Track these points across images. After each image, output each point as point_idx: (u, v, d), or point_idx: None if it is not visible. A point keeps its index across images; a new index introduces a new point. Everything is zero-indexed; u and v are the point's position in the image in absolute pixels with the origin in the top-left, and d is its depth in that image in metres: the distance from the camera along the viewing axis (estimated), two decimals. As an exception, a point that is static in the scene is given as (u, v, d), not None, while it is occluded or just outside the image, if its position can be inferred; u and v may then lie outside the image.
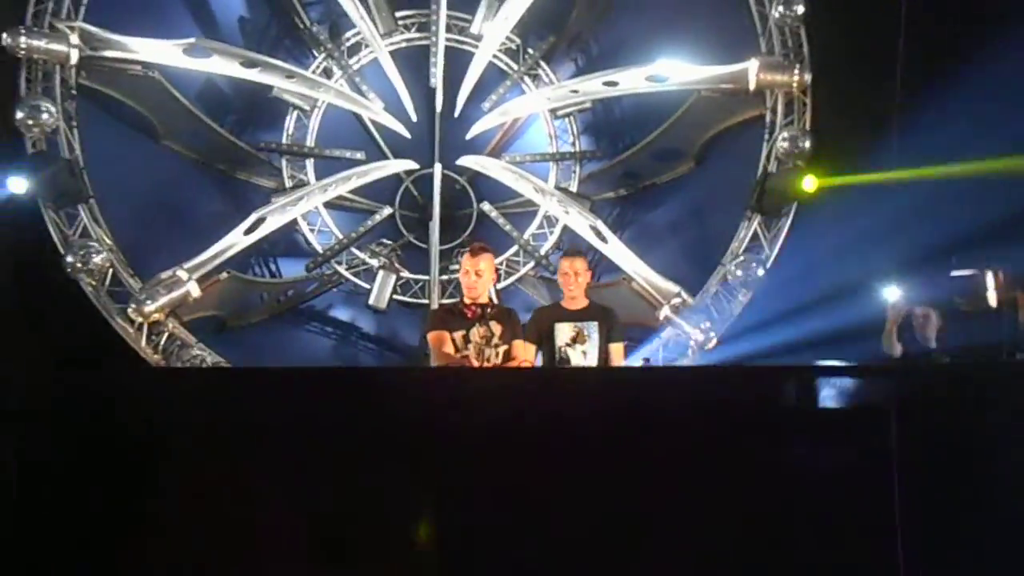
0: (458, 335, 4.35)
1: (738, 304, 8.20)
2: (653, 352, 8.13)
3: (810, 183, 7.84)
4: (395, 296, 8.84)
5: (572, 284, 4.83)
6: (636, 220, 9.53)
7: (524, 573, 2.37)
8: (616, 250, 8.50)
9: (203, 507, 2.32)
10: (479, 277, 4.46)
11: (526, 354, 4.49)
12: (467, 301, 4.48)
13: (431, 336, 4.41)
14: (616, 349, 4.83)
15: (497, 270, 9.43)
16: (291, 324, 9.29)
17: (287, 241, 9.35)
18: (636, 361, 5.21)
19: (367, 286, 8.97)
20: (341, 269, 9.20)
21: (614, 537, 2.45)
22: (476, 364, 4.26)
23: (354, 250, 9.19)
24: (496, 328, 4.41)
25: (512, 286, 9.30)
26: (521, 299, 9.19)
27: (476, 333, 4.34)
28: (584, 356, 4.71)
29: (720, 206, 8.57)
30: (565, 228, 9.08)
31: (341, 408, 2.54)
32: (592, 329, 4.75)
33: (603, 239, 8.55)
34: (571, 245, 8.71)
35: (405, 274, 9.09)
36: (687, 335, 8.05)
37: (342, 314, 9.52)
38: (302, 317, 9.41)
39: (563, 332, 4.74)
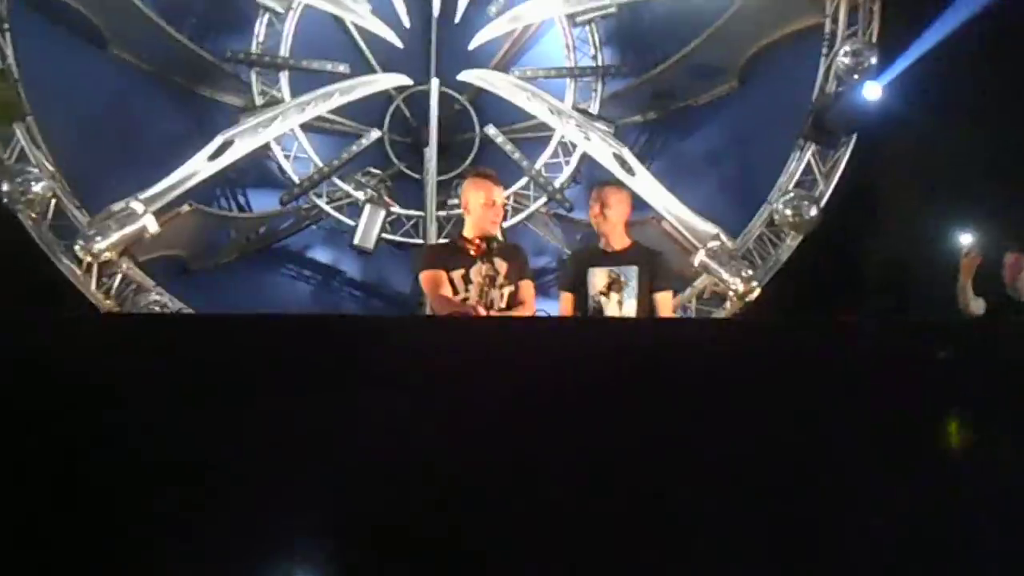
0: (457, 275, 4.32)
1: (786, 249, 8.24)
2: (680, 304, 8.12)
3: (872, 90, 7.67)
4: (384, 235, 8.86)
5: (597, 218, 4.81)
6: (668, 148, 9.57)
7: (537, 554, 2.33)
8: (644, 183, 8.52)
9: (162, 479, 2.20)
10: (496, 212, 4.41)
11: (529, 297, 4.43)
12: (468, 235, 4.41)
13: (425, 276, 4.35)
14: (663, 299, 4.79)
15: (504, 205, 9.60)
16: (263, 266, 9.35)
17: (258, 169, 9.37)
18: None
19: (351, 223, 8.97)
20: (321, 203, 9.22)
21: (637, 513, 2.44)
22: (479, 308, 4.22)
23: (336, 180, 9.17)
24: (502, 266, 4.36)
25: (520, 225, 9.30)
26: (531, 240, 9.24)
27: (478, 272, 4.30)
28: (620, 307, 4.69)
29: (767, 133, 8.59)
30: (584, 157, 9.07)
31: (320, 362, 2.45)
32: (631, 275, 4.75)
33: (629, 170, 8.58)
34: (603, 180, 8.78)
35: (396, 209, 9.07)
36: (725, 284, 8.08)
37: (322, 255, 9.59)
38: (276, 258, 9.50)
39: (598, 278, 4.74)
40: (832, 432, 2.53)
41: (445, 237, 9.00)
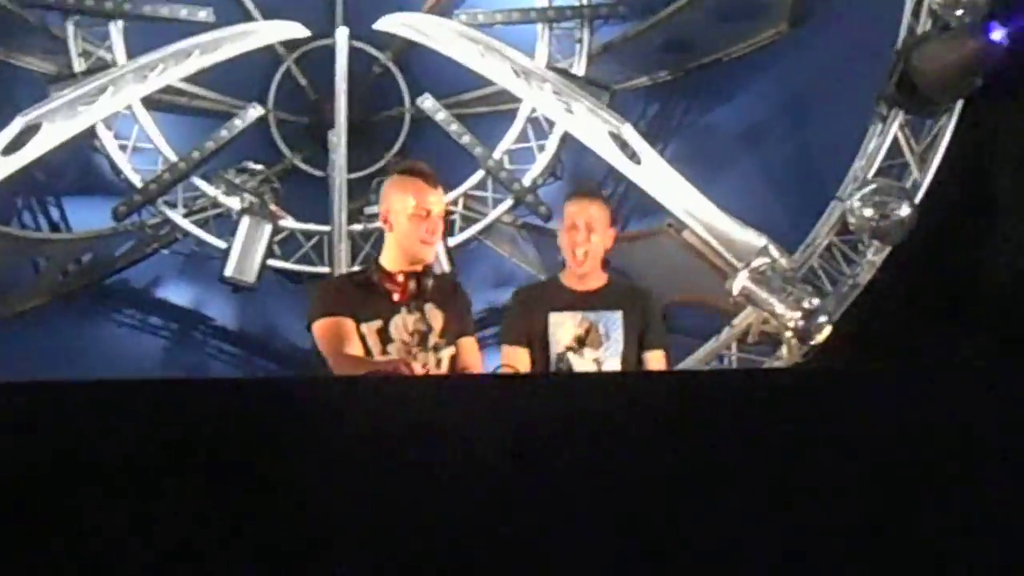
0: (370, 328, 4.36)
1: (867, 267, 8.30)
2: (714, 345, 8.31)
3: (998, 32, 7.63)
4: (271, 262, 8.90)
5: (582, 246, 4.89)
6: (689, 124, 9.67)
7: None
8: (655, 175, 8.50)
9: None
10: (432, 225, 4.46)
11: (474, 362, 4.54)
12: (389, 267, 4.43)
13: (321, 327, 4.40)
14: (654, 359, 4.97)
15: (446, 215, 9.54)
16: (89, 311, 9.41)
17: (80, 167, 9.41)
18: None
19: (222, 244, 8.97)
20: (175, 215, 9.15)
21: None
22: (412, 365, 4.31)
23: (198, 182, 9.16)
24: (436, 317, 4.42)
25: (473, 242, 9.42)
26: (490, 265, 9.55)
27: (402, 324, 4.36)
28: (598, 367, 4.85)
29: (832, 98, 8.65)
30: (566, 139, 9.11)
31: (184, 444, 2.66)
32: (612, 324, 4.90)
33: (632, 156, 8.55)
34: (580, 181, 9.04)
35: (288, 223, 9.09)
36: (780, 320, 8.02)
37: (179, 293, 9.67)
38: (109, 299, 9.55)
39: (564, 328, 4.87)
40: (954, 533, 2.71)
41: (359, 265, 8.90)
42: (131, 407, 2.73)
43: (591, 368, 4.84)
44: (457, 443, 2.75)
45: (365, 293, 4.41)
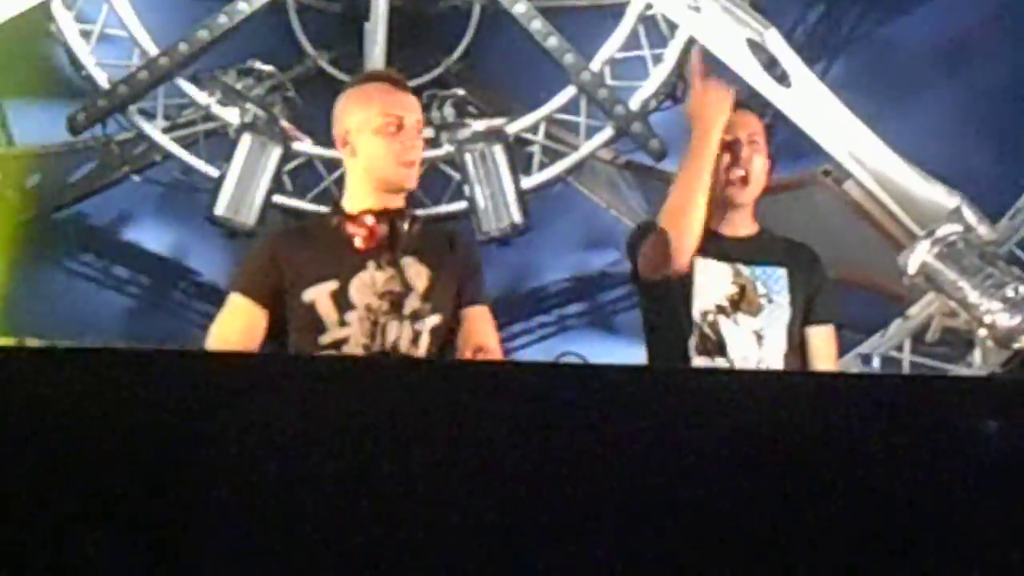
0: (320, 291, 4.37)
1: None
2: (878, 343, 8.31)
3: None
4: (278, 198, 8.94)
5: (743, 166, 4.81)
6: (863, 35, 9.66)
7: None
8: (812, 105, 8.54)
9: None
10: (408, 138, 4.44)
11: (487, 340, 4.48)
12: (352, 207, 4.44)
13: (230, 308, 4.43)
14: (823, 336, 4.93)
15: (522, 144, 9.12)
16: (36, 255, 9.28)
17: (26, 59, 9.30)
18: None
19: (214, 171, 9.01)
20: (153, 130, 9.20)
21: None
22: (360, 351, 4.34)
23: (185, 85, 9.19)
24: (418, 272, 4.40)
25: (557, 183, 9.37)
26: (578, 217, 9.62)
27: (369, 282, 4.36)
28: (758, 340, 4.83)
29: None
30: (690, 46, 8.87)
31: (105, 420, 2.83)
32: (775, 284, 4.89)
33: (781, 77, 8.56)
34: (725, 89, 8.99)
35: (303, 146, 9.06)
36: (972, 312, 7.92)
37: (155, 237, 9.72)
38: (61, 240, 9.58)
39: (714, 281, 4.84)
40: None
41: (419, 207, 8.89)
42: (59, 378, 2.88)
43: (748, 340, 4.79)
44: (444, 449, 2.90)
45: (317, 247, 4.42)
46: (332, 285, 4.32)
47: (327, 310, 4.33)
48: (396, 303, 4.33)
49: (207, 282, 9.59)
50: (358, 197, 4.43)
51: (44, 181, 9.42)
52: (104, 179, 9.42)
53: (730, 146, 4.81)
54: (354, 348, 4.33)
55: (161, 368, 3.06)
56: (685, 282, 4.83)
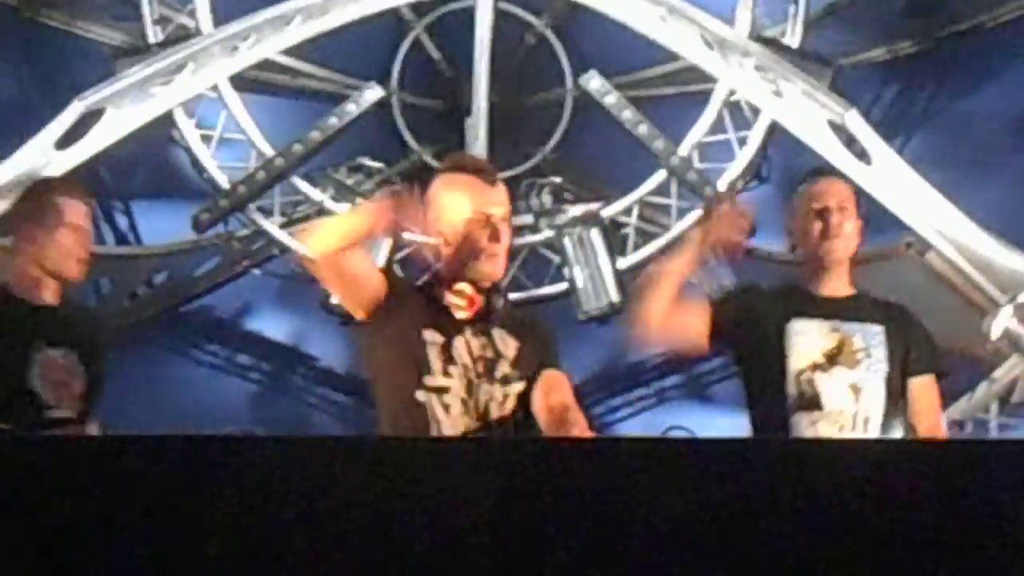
0: (433, 339, 4.45)
1: None
2: (965, 407, 8.26)
3: None
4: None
5: (836, 236, 4.88)
6: (939, 110, 9.69)
7: None
8: (893, 180, 8.57)
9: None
10: (495, 232, 4.48)
11: (567, 401, 4.52)
12: (457, 285, 4.49)
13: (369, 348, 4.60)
14: (926, 385, 4.91)
15: (617, 228, 9.23)
16: (164, 346, 9.46)
17: (154, 164, 9.55)
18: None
19: None
20: (270, 226, 9.33)
21: None
22: (460, 413, 4.42)
23: (300, 183, 9.32)
24: (508, 344, 4.51)
25: (651, 263, 9.08)
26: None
27: (466, 347, 4.45)
28: (855, 393, 4.82)
29: None
30: (774, 130, 9.13)
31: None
32: (872, 338, 4.87)
33: (861, 154, 8.64)
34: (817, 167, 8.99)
35: (414, 235, 9.01)
36: None
37: (274, 326, 9.81)
38: (187, 331, 9.66)
39: (808, 337, 4.87)
40: None
41: (516, 289, 9.00)
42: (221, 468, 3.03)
43: (845, 394, 4.77)
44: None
45: (427, 303, 4.47)
46: (440, 339, 4.42)
47: (436, 357, 4.41)
48: (489, 367, 4.45)
49: (325, 367, 9.66)
50: (449, 275, 4.51)
51: (171, 277, 9.53)
52: (227, 273, 9.54)
53: (820, 214, 4.85)
54: (454, 398, 4.41)
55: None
56: (779, 345, 4.88)
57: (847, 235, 4.86)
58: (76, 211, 4.99)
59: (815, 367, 4.81)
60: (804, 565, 2.98)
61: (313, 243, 4.44)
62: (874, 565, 2.96)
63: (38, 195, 5.08)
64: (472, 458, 3.28)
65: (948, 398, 8.13)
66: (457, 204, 4.49)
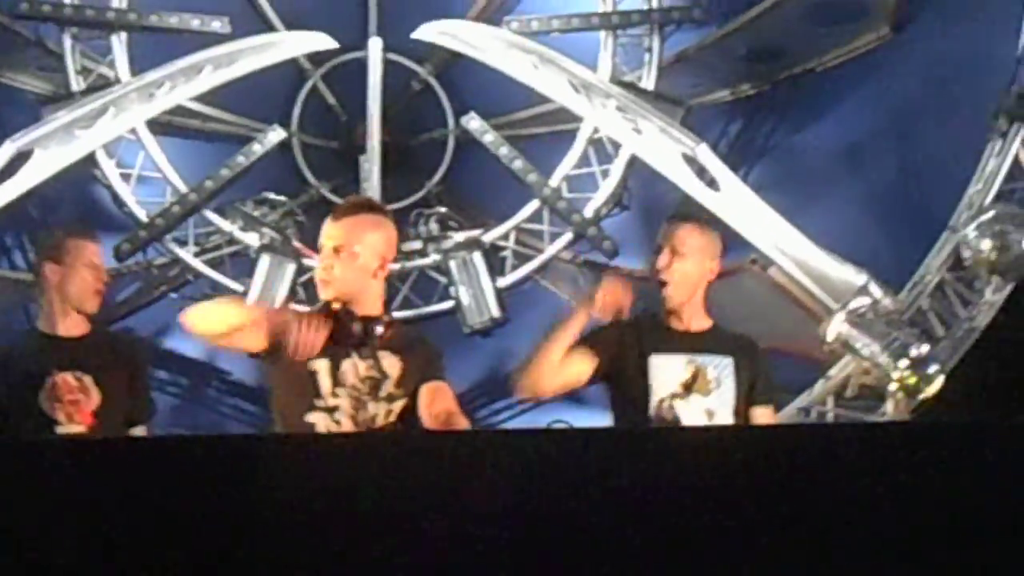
0: (320, 365, 4.65)
1: (985, 308, 8.54)
2: (806, 401, 8.55)
3: None
4: (294, 307, 8.58)
5: (662, 273, 5.11)
6: (777, 144, 9.94)
7: None
8: (736, 203, 8.81)
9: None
10: (323, 260, 4.77)
11: (448, 406, 4.71)
12: (337, 307, 4.74)
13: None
14: (763, 415, 5.19)
15: (496, 251, 9.60)
16: None
17: (78, 200, 9.71)
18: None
19: (238, 287, 9.34)
20: (186, 254, 9.54)
21: None
22: (350, 428, 4.57)
23: (211, 216, 9.56)
24: (392, 365, 4.71)
25: (527, 282, 9.70)
26: (545, 310, 9.51)
27: (353, 369, 4.67)
28: (709, 417, 5.03)
29: (941, 111, 8.92)
30: (633, 163, 9.43)
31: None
32: (724, 368, 5.09)
33: (710, 182, 8.88)
34: (680, 205, 9.00)
35: (314, 261, 9.03)
36: (882, 370, 8.21)
37: (190, 345, 9.70)
38: None
39: (667, 370, 5.07)
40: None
41: (405, 307, 9.36)
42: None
43: (701, 418, 4.98)
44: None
45: (317, 329, 4.63)
46: (326, 362, 4.60)
47: (325, 381, 4.61)
48: (375, 387, 4.64)
49: (236, 380, 9.80)
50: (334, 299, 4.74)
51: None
52: (146, 298, 9.74)
53: (655, 254, 5.09)
54: (343, 415, 4.60)
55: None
56: (643, 377, 5.02)
57: (680, 278, 5.05)
58: (90, 251, 5.33)
59: (674, 396, 4.99)
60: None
61: (194, 321, 4.70)
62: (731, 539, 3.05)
63: (56, 240, 5.38)
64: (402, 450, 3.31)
65: (791, 394, 8.47)
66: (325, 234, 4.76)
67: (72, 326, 5.32)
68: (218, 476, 3.05)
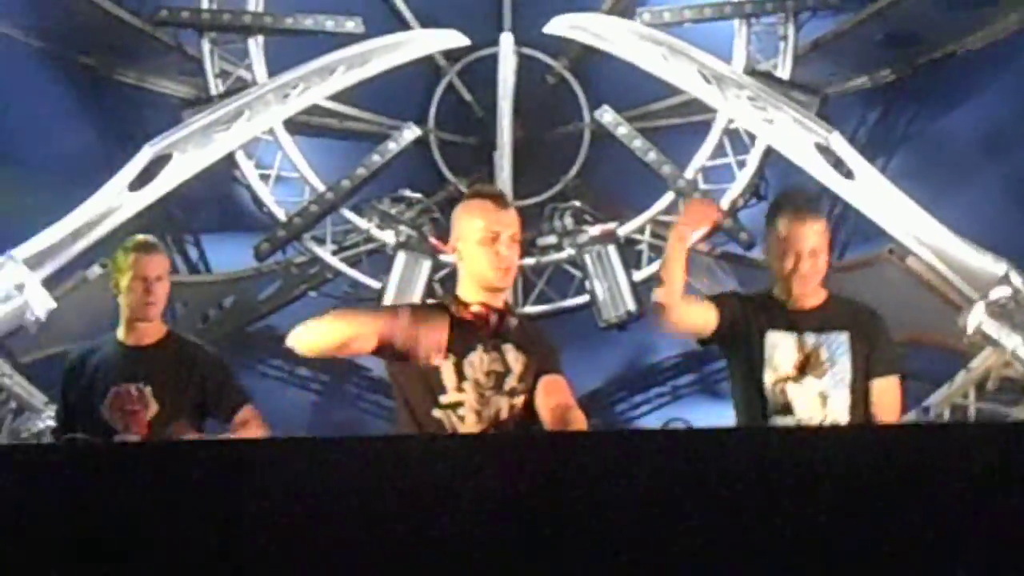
0: (446, 364, 4.57)
1: None
2: (946, 393, 8.36)
3: None
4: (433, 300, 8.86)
5: (808, 277, 5.03)
6: (916, 132, 9.83)
7: None
8: (874, 195, 8.77)
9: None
10: (504, 248, 4.64)
11: (567, 396, 4.69)
12: (468, 300, 4.66)
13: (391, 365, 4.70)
14: (885, 387, 5.04)
15: (632, 244, 9.53)
16: (232, 362, 9.40)
17: (219, 201, 9.83)
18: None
19: (377, 284, 9.40)
20: (324, 253, 9.57)
21: None
22: (474, 423, 4.53)
23: (349, 214, 9.59)
24: (515, 359, 4.66)
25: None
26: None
27: (478, 362, 4.61)
28: (823, 400, 4.95)
29: None
30: (769, 154, 9.38)
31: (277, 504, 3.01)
32: (838, 347, 4.97)
33: (846, 172, 8.85)
34: (790, 192, 8.81)
35: (451, 257, 9.34)
36: None
37: None
38: (253, 348, 9.79)
39: (781, 350, 4.99)
40: None
41: (540, 302, 9.40)
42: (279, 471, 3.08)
43: (815, 402, 4.93)
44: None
45: (440, 324, 4.52)
46: (452, 358, 4.50)
47: (449, 377, 4.51)
48: (499, 381, 4.57)
49: (376, 376, 9.52)
50: (467, 292, 4.60)
51: (237, 301, 9.81)
52: (287, 296, 9.80)
53: (793, 255, 4.92)
54: (468, 411, 4.52)
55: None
56: (759, 354, 4.95)
57: (816, 273, 4.97)
58: (156, 264, 5.39)
59: (788, 378, 4.91)
60: (790, 544, 3.01)
61: (297, 343, 4.59)
62: (853, 541, 2.99)
63: (125, 254, 5.41)
64: (478, 454, 3.30)
65: (930, 385, 8.39)
66: (470, 225, 4.60)
67: (142, 335, 5.42)
68: (214, 482, 3.04)
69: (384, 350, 4.49)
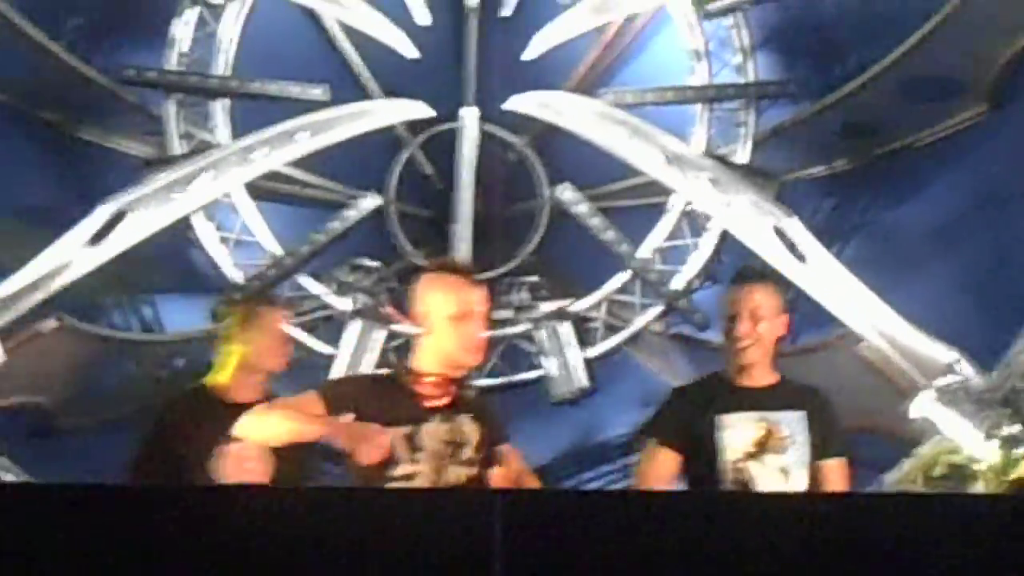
0: (397, 433, 4.46)
1: None
2: (894, 480, 8.19)
3: None
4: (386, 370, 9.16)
5: (746, 339, 4.91)
6: (871, 220, 9.88)
7: None
8: (829, 280, 8.80)
9: None
10: (477, 328, 4.56)
11: (521, 471, 4.61)
12: (424, 370, 4.56)
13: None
14: (834, 468, 4.98)
15: (586, 321, 9.50)
16: None
17: (176, 262, 9.75)
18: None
19: (331, 351, 9.40)
20: None
21: None
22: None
23: (306, 281, 9.64)
24: (472, 429, 4.59)
25: (616, 353, 9.66)
26: (635, 381, 9.55)
27: (435, 434, 4.53)
28: (785, 476, 4.88)
29: None
30: (725, 237, 9.46)
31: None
32: (796, 426, 4.89)
33: (799, 256, 8.90)
34: (747, 264, 8.97)
35: (405, 327, 9.25)
36: (972, 448, 8.19)
37: None
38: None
39: (738, 430, 4.90)
40: None
41: (493, 376, 9.28)
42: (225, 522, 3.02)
43: (777, 478, 4.80)
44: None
45: (391, 395, 4.46)
46: (405, 429, 4.38)
47: (402, 448, 4.39)
48: (456, 451, 4.49)
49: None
50: (427, 363, 4.48)
51: (191, 362, 9.48)
52: None
53: (732, 319, 4.82)
54: (423, 482, 4.44)
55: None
56: (711, 440, 4.80)
57: (758, 340, 4.83)
58: (274, 317, 5.20)
59: (747, 456, 4.80)
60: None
61: (245, 432, 4.42)
62: None
63: (247, 308, 5.33)
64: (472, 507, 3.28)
65: (876, 471, 8.20)
66: (444, 300, 4.48)
67: (248, 393, 5.12)
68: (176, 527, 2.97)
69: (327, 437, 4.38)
